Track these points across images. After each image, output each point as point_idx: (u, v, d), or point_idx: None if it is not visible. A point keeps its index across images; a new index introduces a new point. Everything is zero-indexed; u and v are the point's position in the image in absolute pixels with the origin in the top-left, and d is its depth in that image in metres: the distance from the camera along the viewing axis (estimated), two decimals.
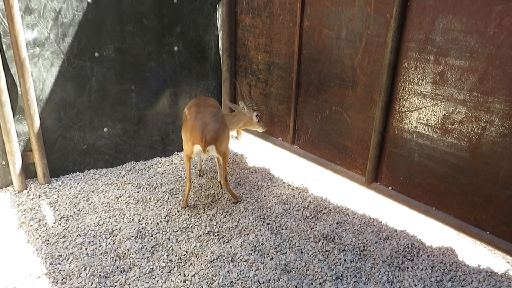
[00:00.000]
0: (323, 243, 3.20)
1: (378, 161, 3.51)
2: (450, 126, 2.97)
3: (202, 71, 4.82)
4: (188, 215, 3.53)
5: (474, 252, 3.19)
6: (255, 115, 4.02)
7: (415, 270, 2.93)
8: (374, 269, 2.93)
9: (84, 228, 3.27)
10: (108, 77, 4.12)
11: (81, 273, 2.75)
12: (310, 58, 3.91)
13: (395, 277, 2.85)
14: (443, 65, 2.92)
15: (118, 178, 4.19)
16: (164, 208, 3.64)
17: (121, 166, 4.48)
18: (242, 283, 2.74)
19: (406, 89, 3.18)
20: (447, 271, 2.92)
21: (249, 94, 4.05)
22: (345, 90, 3.65)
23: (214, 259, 2.96)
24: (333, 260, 3.01)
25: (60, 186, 3.96)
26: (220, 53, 4.89)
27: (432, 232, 3.42)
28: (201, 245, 3.14)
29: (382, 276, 2.85)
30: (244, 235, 3.29)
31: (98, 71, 4.04)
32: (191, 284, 2.71)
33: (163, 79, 4.51)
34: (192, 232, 3.31)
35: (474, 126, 2.83)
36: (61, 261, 2.89)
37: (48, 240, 3.13)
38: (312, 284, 2.77)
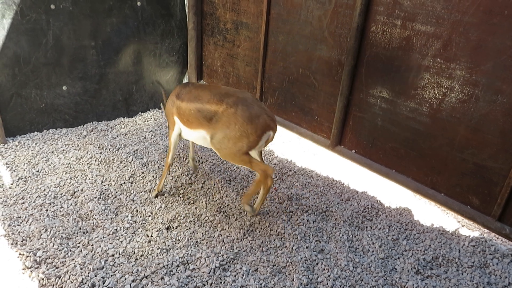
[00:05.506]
0: (287, 204, 3.27)
1: (343, 124, 3.57)
2: (412, 92, 3.03)
3: (167, 28, 4.63)
4: (153, 176, 3.50)
5: (428, 212, 3.37)
6: None
7: (374, 229, 3.07)
8: (335, 228, 3.04)
9: (44, 190, 3.18)
10: (66, 31, 3.88)
11: (41, 235, 2.69)
12: (279, 19, 3.83)
13: (355, 236, 2.98)
14: (409, 30, 2.94)
15: (79, 138, 4.05)
16: (127, 169, 3.58)
17: (82, 126, 4.33)
18: (207, 242, 2.77)
19: (373, 53, 3.19)
20: (403, 230, 3.08)
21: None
22: (313, 53, 3.63)
23: (179, 220, 2.97)
24: (297, 220, 3.10)
25: (17, 146, 3.79)
26: (186, 10, 4.70)
27: (391, 193, 3.57)
28: (166, 206, 3.14)
29: (342, 235, 2.96)
30: (210, 197, 3.30)
31: (55, 25, 3.80)
32: (155, 244, 2.72)
33: (126, 35, 4.30)
34: None
35: (436, 92, 2.90)
36: (20, 223, 2.81)
37: (5, 201, 3.02)
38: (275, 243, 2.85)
